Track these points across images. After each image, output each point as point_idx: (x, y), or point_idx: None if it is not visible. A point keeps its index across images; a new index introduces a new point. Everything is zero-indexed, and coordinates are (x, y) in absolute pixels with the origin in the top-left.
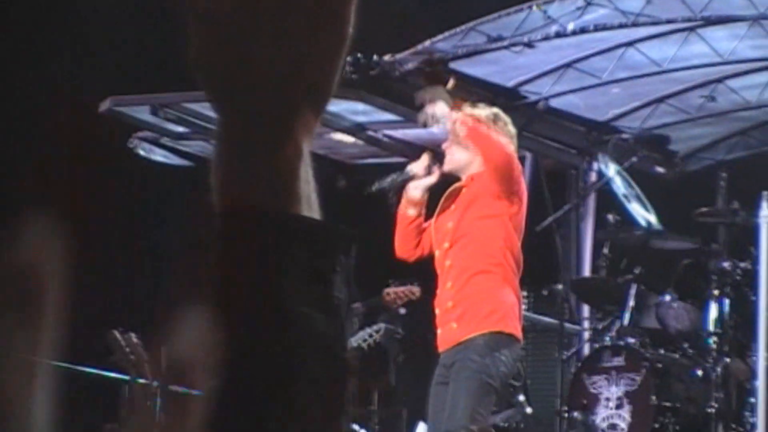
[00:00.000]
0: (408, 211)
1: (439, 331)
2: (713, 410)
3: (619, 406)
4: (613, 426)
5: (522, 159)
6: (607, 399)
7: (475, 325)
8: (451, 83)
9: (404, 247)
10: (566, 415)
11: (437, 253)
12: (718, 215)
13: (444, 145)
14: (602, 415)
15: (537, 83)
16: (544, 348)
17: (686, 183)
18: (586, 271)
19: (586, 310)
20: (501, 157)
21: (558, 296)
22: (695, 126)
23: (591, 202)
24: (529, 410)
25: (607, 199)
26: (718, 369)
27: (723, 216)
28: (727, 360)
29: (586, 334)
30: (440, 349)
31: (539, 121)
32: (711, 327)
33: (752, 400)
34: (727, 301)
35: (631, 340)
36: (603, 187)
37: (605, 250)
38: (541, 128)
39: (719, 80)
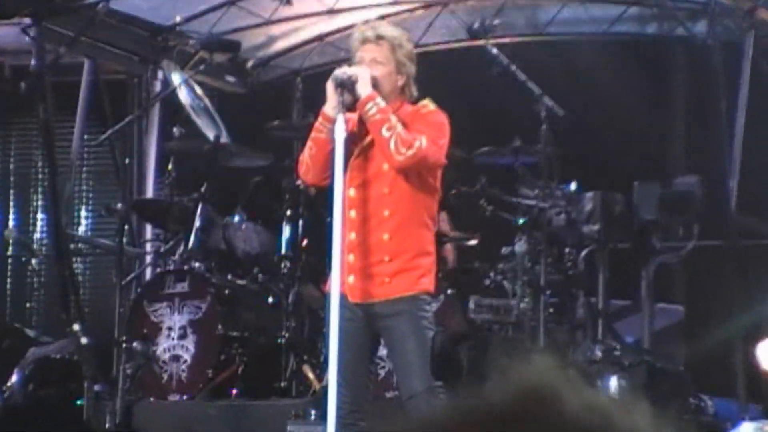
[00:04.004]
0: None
1: (352, 279)
2: (284, 340)
3: (182, 336)
4: (176, 357)
5: (80, 66)
6: (170, 328)
7: (414, 282)
8: None
9: (325, 173)
10: (125, 345)
11: (354, 192)
12: (292, 129)
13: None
14: (164, 345)
15: None
16: (102, 272)
17: (260, 94)
18: (150, 189)
19: (148, 231)
20: None
21: (117, 216)
22: (269, 31)
23: (155, 113)
24: (84, 340)
25: (173, 110)
26: (291, 296)
27: (298, 130)
28: (300, 286)
29: (148, 258)
30: (354, 300)
31: (99, 24)
32: (283, 250)
33: (325, 330)
34: (300, 223)
35: (197, 265)
36: (168, 98)
37: (170, 166)
38: (101, 33)
39: None
